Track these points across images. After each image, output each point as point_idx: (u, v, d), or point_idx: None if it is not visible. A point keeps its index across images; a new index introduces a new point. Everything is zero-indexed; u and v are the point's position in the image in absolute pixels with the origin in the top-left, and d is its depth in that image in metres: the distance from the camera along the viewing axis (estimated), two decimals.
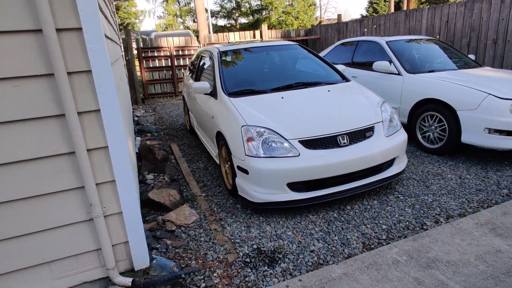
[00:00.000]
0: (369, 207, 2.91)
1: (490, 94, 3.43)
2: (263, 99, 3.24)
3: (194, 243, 2.57)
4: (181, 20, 39.57)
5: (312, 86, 3.54)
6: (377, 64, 4.53)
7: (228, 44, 4.40)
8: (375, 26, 7.84)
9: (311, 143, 2.75)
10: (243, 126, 2.85)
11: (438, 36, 6.26)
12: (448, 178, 3.37)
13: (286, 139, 2.73)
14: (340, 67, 4.14)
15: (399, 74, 4.40)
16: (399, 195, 3.07)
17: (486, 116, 3.39)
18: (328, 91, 3.41)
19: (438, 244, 2.29)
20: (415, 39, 5.07)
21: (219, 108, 3.34)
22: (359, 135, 2.89)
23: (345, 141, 2.81)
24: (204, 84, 3.62)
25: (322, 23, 8.64)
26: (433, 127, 3.95)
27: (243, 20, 33.93)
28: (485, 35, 5.46)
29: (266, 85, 3.54)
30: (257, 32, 10.08)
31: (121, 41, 8.54)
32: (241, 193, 2.90)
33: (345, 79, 3.82)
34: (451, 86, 3.74)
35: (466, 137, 3.59)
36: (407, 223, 2.64)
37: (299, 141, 2.74)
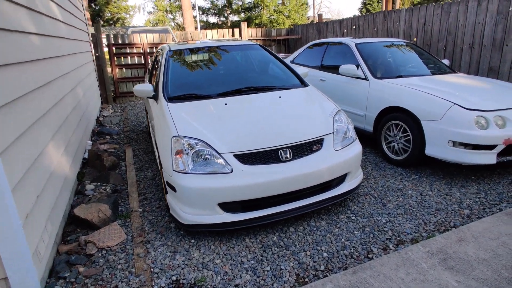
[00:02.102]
0: (315, 228, 2.61)
1: (455, 103, 3.16)
2: (205, 105, 2.92)
3: (110, 271, 2.24)
4: (172, 16, 39.02)
5: (264, 91, 3.23)
6: (344, 68, 4.24)
7: (182, 43, 4.07)
8: (354, 27, 7.56)
9: (248, 158, 2.44)
10: (173, 136, 2.53)
11: (415, 39, 6.01)
12: (408, 194, 3.09)
13: (219, 153, 2.41)
14: (301, 70, 3.84)
15: (365, 79, 4.11)
16: (351, 215, 2.78)
17: (450, 127, 3.12)
18: (279, 97, 3.10)
19: (379, 278, 2.00)
20: (389, 42, 4.80)
21: (158, 114, 3.01)
22: (305, 148, 2.59)
23: (288, 155, 2.50)
24: (146, 87, 3.29)
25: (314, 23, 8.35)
26: (397, 137, 3.67)
27: (234, 17, 33.55)
28: (461, 39, 5.21)
29: (214, 89, 3.22)
30: (237, 31, 9.74)
31: (91, 36, 8.13)
32: (172, 212, 2.57)
33: (303, 84, 3.52)
34: (416, 94, 3.46)
35: (430, 150, 3.32)
36: (352, 250, 2.34)
37: (234, 156, 2.42)
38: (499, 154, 3.10)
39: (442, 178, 3.40)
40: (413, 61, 4.55)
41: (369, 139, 4.39)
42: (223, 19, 35.19)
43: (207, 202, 2.35)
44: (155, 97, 3.26)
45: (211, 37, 9.51)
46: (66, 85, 4.10)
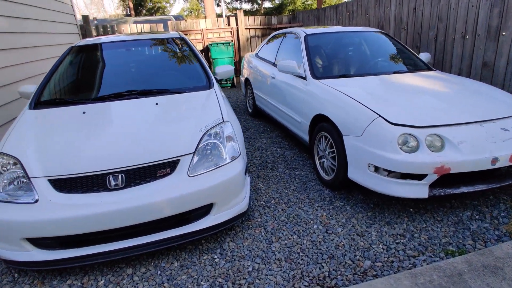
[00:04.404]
0: (159, 272, 2.10)
1: (380, 116, 2.41)
2: (62, 113, 2.50)
3: None
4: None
5: (150, 95, 2.73)
6: (282, 64, 3.56)
7: (95, 38, 3.64)
8: (348, 13, 6.64)
9: (66, 184, 1.98)
10: None
11: (406, 27, 5.04)
12: (311, 230, 2.44)
13: (28, 177, 1.98)
14: (226, 68, 3.27)
15: (305, 78, 3.41)
16: (218, 256, 2.22)
17: (370, 147, 2.39)
18: (156, 104, 2.58)
19: None
20: (355, 33, 3.98)
21: None
22: (147, 173, 2.06)
23: (118, 182, 2.00)
24: (27, 89, 2.94)
25: (313, 9, 7.36)
26: (326, 152, 2.98)
27: (268, 4, 32.57)
28: (453, 27, 4.22)
29: (92, 93, 2.78)
30: (233, 19, 9.14)
31: (79, 28, 8.05)
32: None
33: (210, 85, 2.95)
34: (342, 100, 2.74)
35: (352, 173, 2.61)
36: None
37: (49, 180, 1.98)
38: (433, 186, 2.33)
39: (370, 208, 2.67)
40: (379, 55, 3.73)
41: None
42: (257, 6, 34.40)
43: (9, 236, 1.93)
44: None
45: (205, 26, 9.02)
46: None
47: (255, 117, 5.46)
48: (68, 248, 2.01)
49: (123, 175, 2.02)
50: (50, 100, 2.71)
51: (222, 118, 2.45)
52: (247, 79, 5.41)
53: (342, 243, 2.29)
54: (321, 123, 2.98)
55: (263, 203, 2.85)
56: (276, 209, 2.75)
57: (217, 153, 2.25)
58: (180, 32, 3.77)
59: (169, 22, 8.92)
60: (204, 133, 2.28)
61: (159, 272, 2.10)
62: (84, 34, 8.15)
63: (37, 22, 4.99)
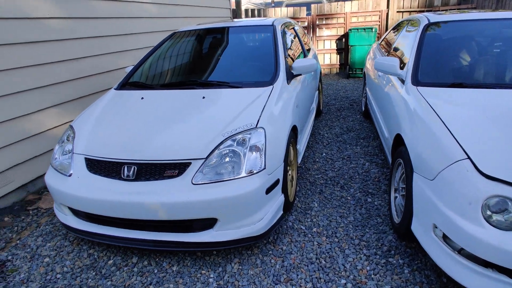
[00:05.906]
0: (156, 271, 2.06)
1: (468, 157, 1.55)
2: (128, 96, 2.72)
3: None
4: None
5: (207, 87, 2.65)
6: (380, 62, 2.79)
7: (198, 25, 3.77)
8: None
9: (95, 165, 2.14)
10: (70, 124, 2.53)
11: None
12: (335, 284, 1.88)
13: (73, 152, 2.24)
14: (305, 62, 2.86)
15: (404, 81, 2.58)
16: (214, 275, 2.00)
17: (440, 201, 1.58)
18: (203, 98, 2.46)
19: None
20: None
21: None
22: (155, 171, 2.00)
23: (130, 173, 2.02)
24: (129, 69, 3.34)
25: None
26: (400, 186, 2.21)
27: None
28: None
29: (162, 79, 2.93)
30: (384, 1, 7.94)
31: (231, 12, 8.75)
32: None
33: (270, 82, 2.60)
34: (429, 122, 1.90)
35: (415, 227, 1.84)
36: None
37: (86, 158, 2.19)
38: None
39: (440, 283, 1.83)
40: None
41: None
42: None
43: (55, 198, 2.28)
44: None
45: (350, 9, 8.21)
46: None
47: (366, 117, 4.68)
48: (93, 223, 2.21)
49: (136, 168, 2.03)
50: (132, 82, 2.99)
51: (257, 123, 2.12)
52: (364, 73, 4.64)
53: None
54: (401, 147, 2.21)
55: (303, 228, 2.40)
56: (312, 240, 2.26)
57: (234, 163, 1.97)
58: (277, 19, 3.47)
59: (312, 6, 8.56)
60: (227, 137, 2.03)
61: (156, 271, 2.07)
62: (235, 17, 8.85)
63: (187, 8, 5.69)
